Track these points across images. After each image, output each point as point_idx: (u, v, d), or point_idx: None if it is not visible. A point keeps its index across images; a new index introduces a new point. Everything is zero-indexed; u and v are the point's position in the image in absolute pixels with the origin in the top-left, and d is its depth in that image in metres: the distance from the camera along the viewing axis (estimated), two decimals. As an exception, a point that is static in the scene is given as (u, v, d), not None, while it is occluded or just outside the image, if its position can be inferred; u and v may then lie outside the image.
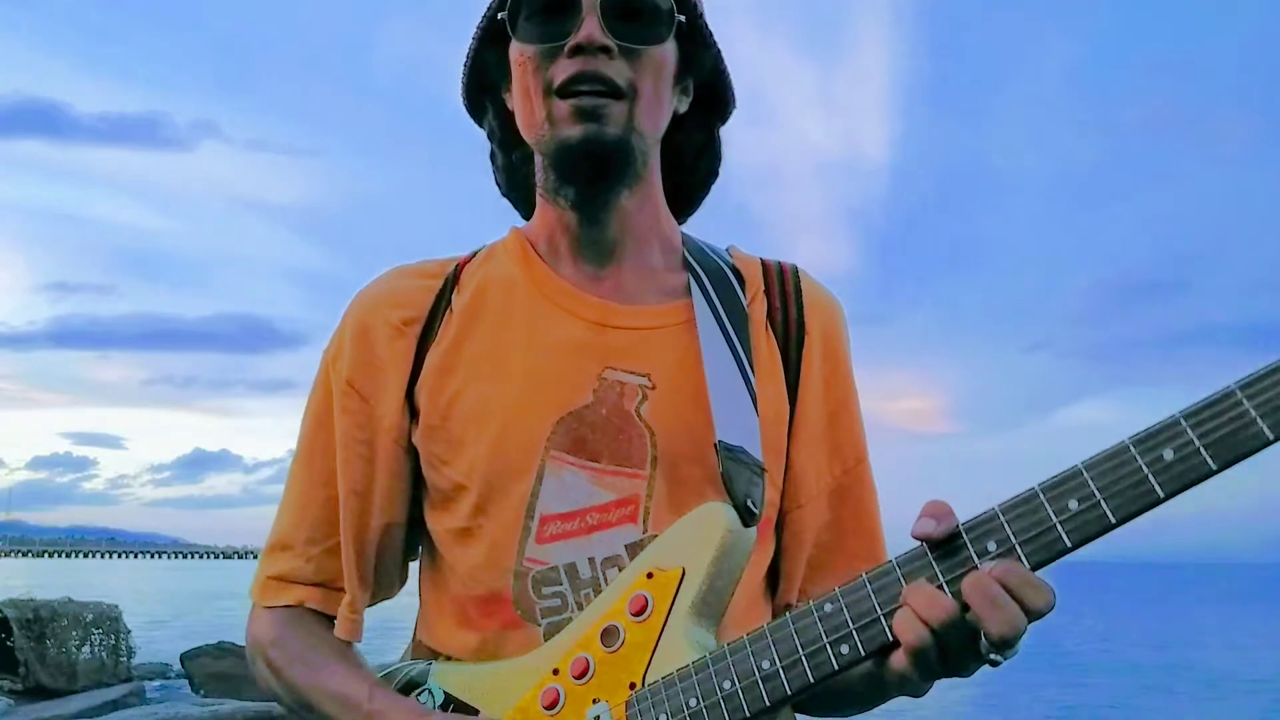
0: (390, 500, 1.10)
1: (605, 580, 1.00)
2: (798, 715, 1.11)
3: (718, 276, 1.12)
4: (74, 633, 10.83)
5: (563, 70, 1.02)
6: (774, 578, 1.14)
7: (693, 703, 0.90)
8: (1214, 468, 0.73)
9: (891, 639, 0.84)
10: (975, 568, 0.81)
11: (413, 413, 1.09)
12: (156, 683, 11.78)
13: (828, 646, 0.86)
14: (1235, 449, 0.73)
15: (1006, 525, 0.81)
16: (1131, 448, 0.76)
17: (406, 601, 1.24)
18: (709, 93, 1.16)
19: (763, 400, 1.06)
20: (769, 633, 0.89)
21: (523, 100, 1.07)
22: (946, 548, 0.83)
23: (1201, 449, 0.73)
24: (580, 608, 1.00)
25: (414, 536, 1.16)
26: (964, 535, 0.82)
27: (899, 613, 0.83)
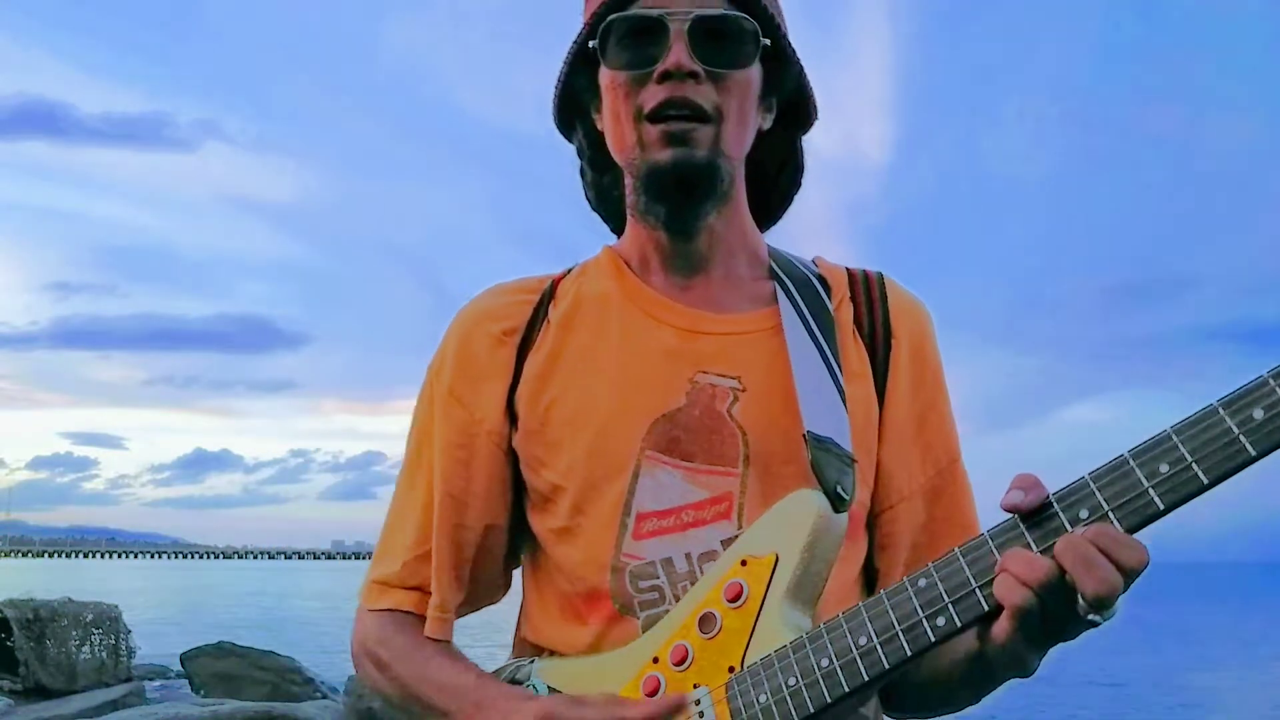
0: (489, 502, 1.15)
1: (701, 574, 1.04)
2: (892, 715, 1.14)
3: (804, 284, 1.15)
4: (74, 633, 10.82)
5: (652, 96, 1.06)
6: (869, 579, 1.16)
7: (792, 681, 0.92)
8: None
9: (987, 609, 0.85)
10: (1068, 533, 0.82)
11: (512, 419, 1.14)
12: (156, 683, 11.77)
13: (924, 620, 0.87)
14: None
15: (1097, 492, 0.82)
16: (1220, 409, 0.77)
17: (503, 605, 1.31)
18: (792, 107, 1.19)
19: (852, 401, 1.08)
20: (864, 610, 0.91)
21: (613, 123, 1.12)
22: (1038, 517, 0.84)
23: None
24: (677, 600, 1.03)
25: (516, 543, 1.20)
26: (1055, 504, 0.84)
27: (999, 578, 0.84)
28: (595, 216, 1.29)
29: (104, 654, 11.03)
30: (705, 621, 0.99)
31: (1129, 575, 0.80)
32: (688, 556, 1.04)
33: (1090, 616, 0.81)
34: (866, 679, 0.89)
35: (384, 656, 1.13)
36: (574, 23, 1.18)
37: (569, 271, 1.21)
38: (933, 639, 0.87)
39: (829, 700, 0.90)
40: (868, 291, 1.18)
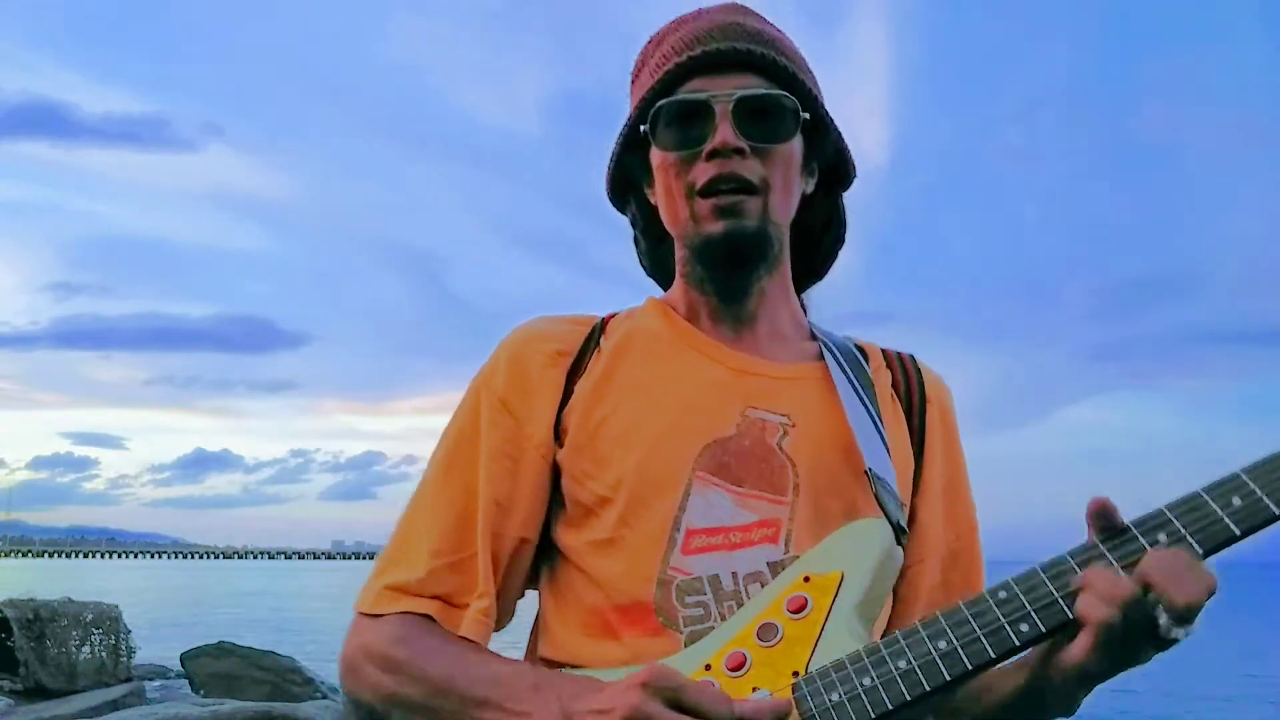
0: (530, 515, 1.15)
1: (747, 594, 1.05)
2: None
3: (844, 349, 1.23)
4: (74, 633, 10.82)
5: (703, 173, 1.13)
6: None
7: (867, 681, 0.92)
8: None
9: (1071, 617, 0.88)
10: (1149, 552, 0.88)
11: (558, 436, 1.15)
12: (156, 683, 11.76)
13: (1006, 625, 0.90)
14: None
15: (1175, 519, 0.89)
16: None
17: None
18: (831, 169, 1.26)
19: (894, 453, 1.14)
20: (942, 617, 0.93)
21: (666, 199, 1.18)
22: (1117, 540, 0.90)
23: None
24: (723, 618, 1.04)
25: (534, 566, 1.19)
26: (1134, 529, 0.90)
27: (1082, 595, 0.88)
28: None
29: (104, 654, 11.03)
30: (765, 631, 1.00)
31: (1207, 595, 0.85)
32: (734, 575, 1.06)
33: (1173, 633, 0.85)
34: (948, 678, 0.90)
35: (401, 656, 1.07)
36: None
37: (617, 313, 1.26)
38: (1017, 643, 0.90)
39: (908, 698, 0.90)
40: (902, 364, 1.27)
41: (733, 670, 0.98)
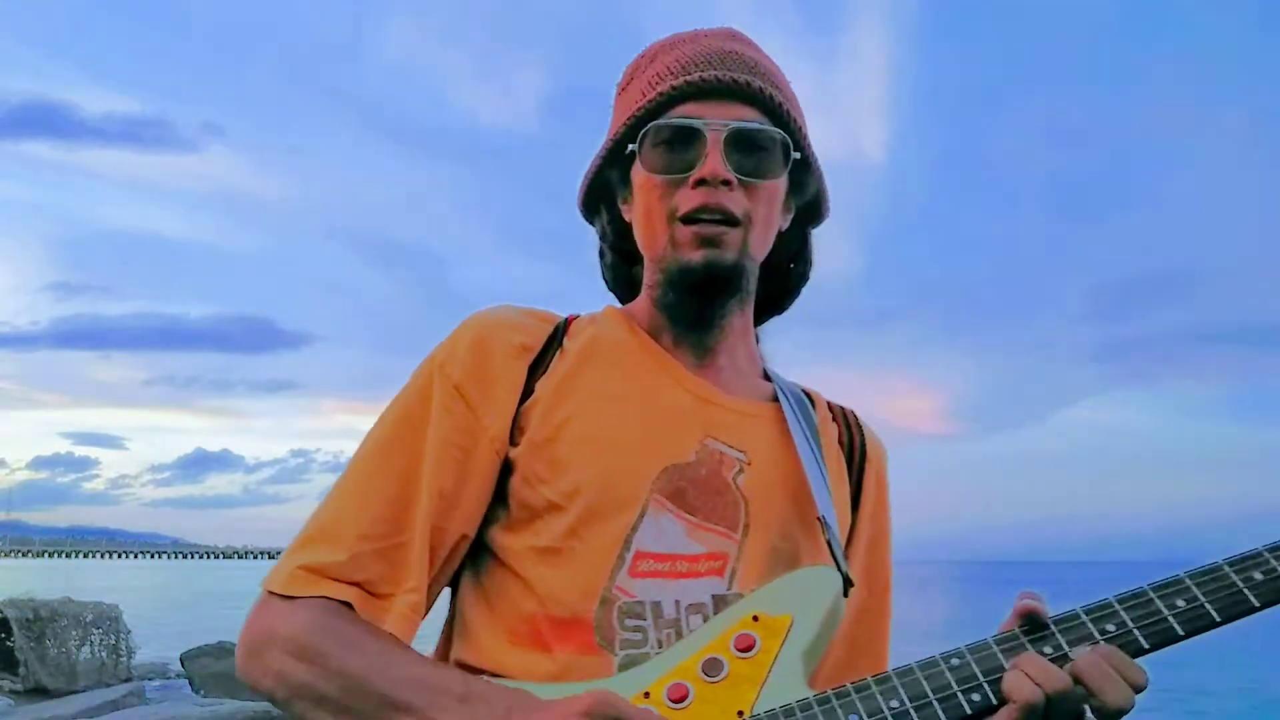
0: (473, 510, 1.09)
1: (688, 624, 1.04)
2: None
3: (794, 393, 1.24)
4: (74, 633, 10.82)
5: (687, 200, 1.11)
6: None
7: None
8: None
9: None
10: (1097, 642, 0.92)
11: (514, 432, 1.11)
12: (156, 683, 11.75)
13: (959, 694, 0.92)
14: None
15: (1123, 612, 0.94)
16: (1226, 567, 0.94)
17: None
18: (807, 206, 1.26)
19: (835, 504, 1.15)
20: (894, 677, 0.95)
21: (645, 220, 1.17)
22: (1066, 625, 0.94)
23: None
24: (660, 645, 1.02)
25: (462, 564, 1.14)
26: (1084, 616, 0.94)
27: (1011, 674, 0.91)
28: (589, 219, 1.31)
29: (104, 654, 11.02)
30: (711, 665, 0.98)
31: (1137, 692, 0.90)
32: (677, 604, 1.04)
33: None
34: None
35: (315, 643, 0.97)
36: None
37: (578, 316, 1.23)
38: (968, 711, 0.92)
39: None
40: (845, 419, 1.28)
41: (675, 701, 0.96)
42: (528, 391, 1.11)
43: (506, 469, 1.10)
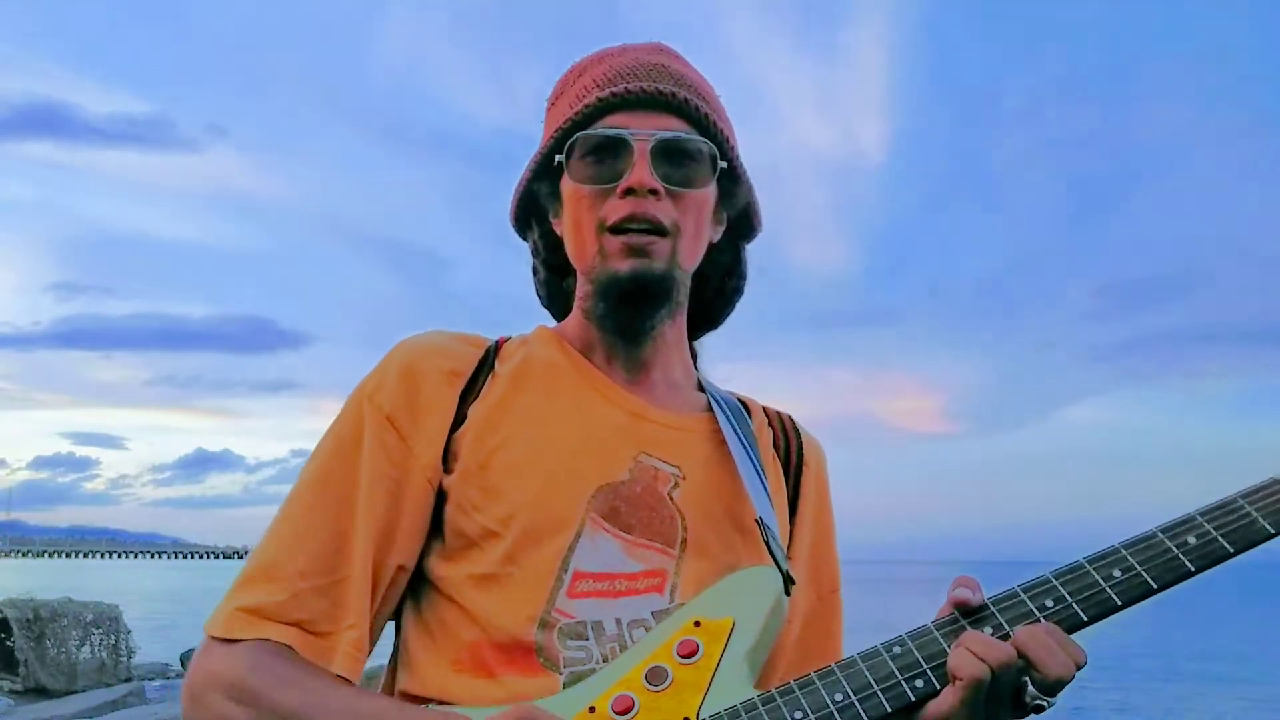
0: (409, 542, 1.08)
1: (631, 639, 1.04)
2: None
3: (729, 403, 1.24)
4: (74, 633, 10.83)
5: (615, 210, 1.11)
6: None
7: None
8: (1231, 551, 0.95)
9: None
10: (1037, 620, 0.94)
11: (446, 460, 1.10)
12: (156, 683, 11.77)
13: (902, 681, 0.93)
14: (1247, 538, 0.95)
15: (1060, 586, 0.95)
16: (1160, 534, 0.96)
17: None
18: (740, 219, 1.26)
19: (775, 513, 1.15)
20: (838, 670, 0.95)
21: (574, 232, 1.17)
22: (1006, 603, 0.96)
23: (1218, 537, 0.95)
24: (605, 661, 1.02)
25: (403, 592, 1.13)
26: (1023, 594, 0.96)
27: (955, 651, 0.92)
28: (521, 234, 1.32)
29: (104, 654, 11.04)
30: (654, 675, 0.98)
31: (1077, 667, 0.91)
32: (618, 621, 1.04)
33: (1037, 701, 0.91)
34: None
35: (255, 685, 0.97)
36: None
37: (510, 338, 1.23)
38: (912, 698, 0.92)
39: None
40: (782, 423, 1.29)
41: (620, 713, 0.96)
42: (459, 418, 1.11)
43: (441, 497, 1.09)
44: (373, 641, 1.09)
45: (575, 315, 1.22)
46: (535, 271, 1.32)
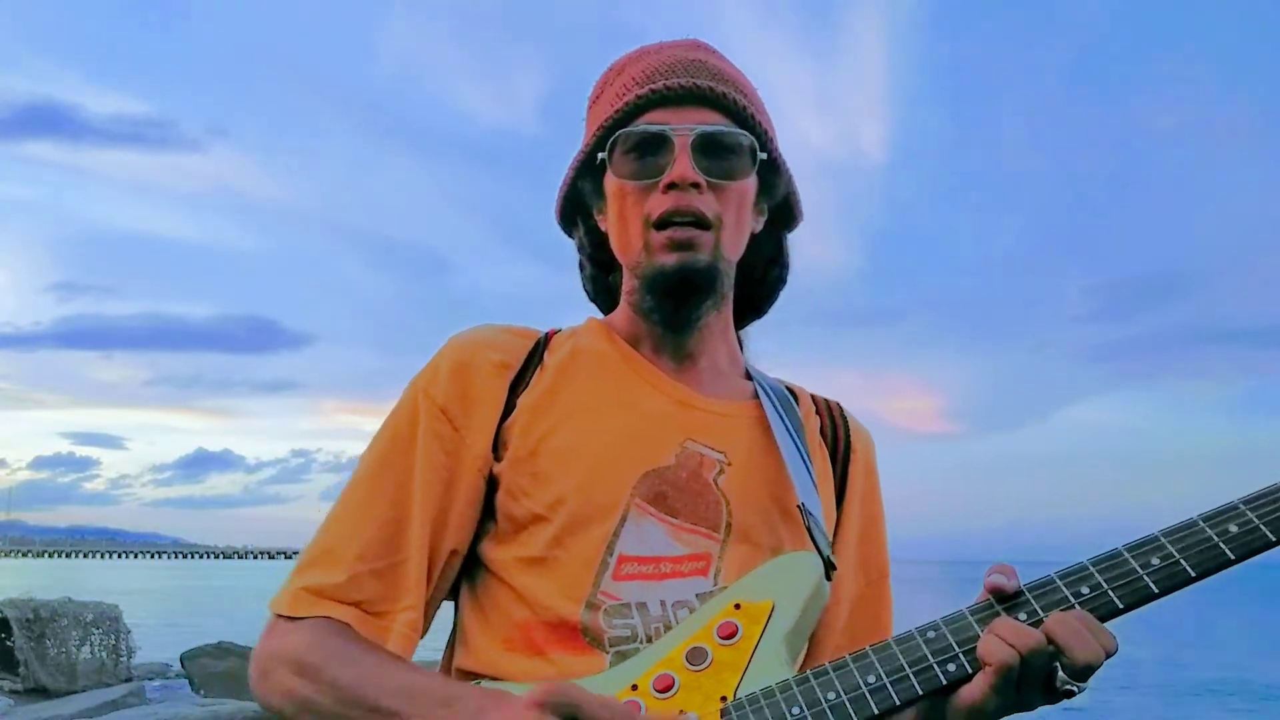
0: (462, 527, 1.13)
1: (675, 619, 1.07)
2: None
3: (777, 391, 1.26)
4: (74, 633, 10.83)
5: (658, 205, 1.14)
6: None
7: (795, 710, 0.95)
8: (1274, 540, 0.93)
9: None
10: (1071, 607, 0.94)
11: (497, 449, 1.14)
12: (156, 683, 11.76)
13: (934, 665, 0.94)
14: None
15: (1097, 574, 0.95)
16: (1201, 522, 0.94)
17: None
18: (781, 209, 1.28)
19: (820, 500, 1.17)
20: (871, 653, 0.96)
21: (619, 227, 1.20)
22: (1042, 590, 0.96)
23: (1261, 526, 0.93)
24: (649, 640, 1.05)
25: (457, 578, 1.18)
26: (1058, 581, 0.96)
27: (985, 638, 0.93)
28: (567, 231, 1.34)
29: (104, 654, 11.04)
30: (695, 655, 1.01)
31: (1107, 655, 0.92)
32: (662, 603, 1.07)
33: (1066, 686, 0.91)
34: (875, 712, 0.93)
35: (314, 660, 1.03)
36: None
37: (559, 330, 1.26)
38: (944, 681, 0.93)
39: None
40: (830, 411, 1.30)
41: (660, 691, 0.99)
42: (509, 408, 1.15)
43: (492, 485, 1.14)
44: (427, 623, 1.14)
45: (623, 308, 1.26)
46: (581, 267, 1.35)
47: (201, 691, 10.73)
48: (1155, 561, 0.94)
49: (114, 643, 11.18)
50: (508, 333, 1.22)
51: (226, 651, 11.16)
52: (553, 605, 1.07)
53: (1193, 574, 0.93)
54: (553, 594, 1.08)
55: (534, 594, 1.09)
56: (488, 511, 1.15)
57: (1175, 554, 0.93)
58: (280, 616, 1.09)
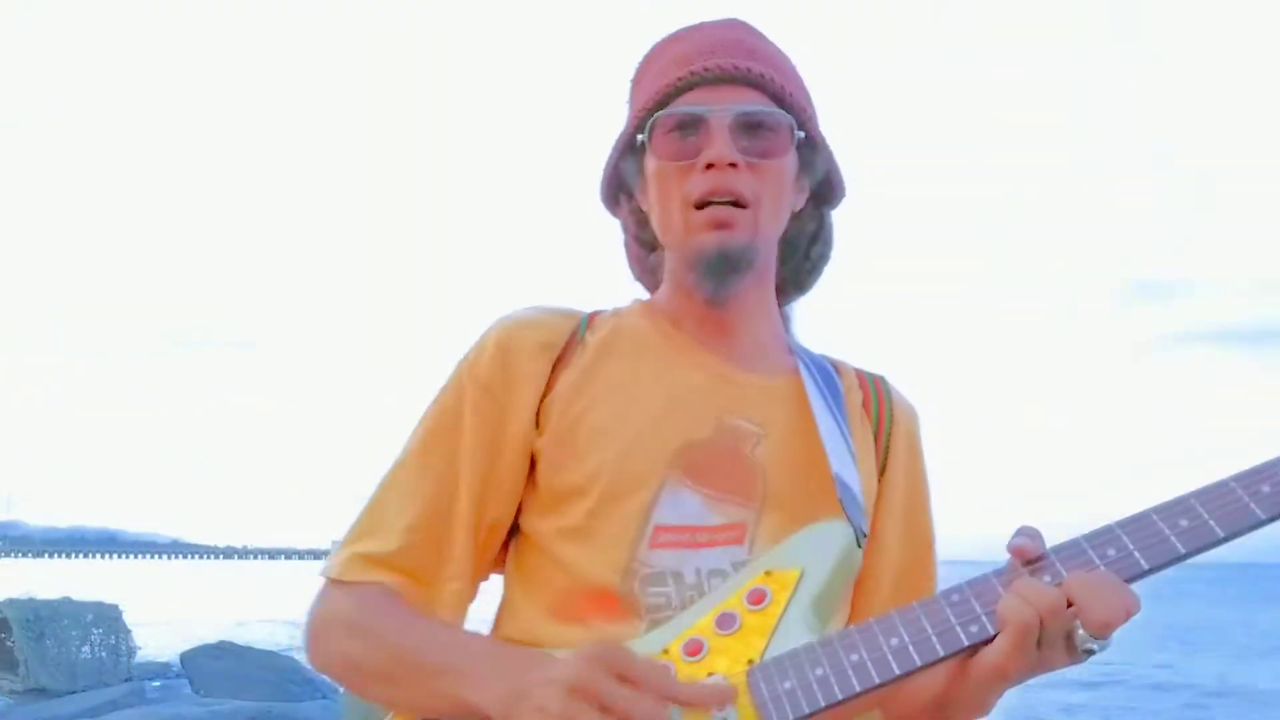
0: (506, 500, 1.18)
1: (709, 588, 1.09)
2: None
3: (818, 364, 1.28)
4: (74, 633, 10.84)
5: (697, 185, 1.16)
6: None
7: (819, 671, 0.96)
8: None
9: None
10: (1097, 568, 0.94)
11: (538, 425, 1.18)
12: (156, 683, 11.77)
13: (957, 626, 0.95)
14: None
15: (1123, 535, 0.94)
16: (1233, 482, 0.93)
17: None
18: (822, 186, 1.30)
19: (860, 469, 1.20)
20: (897, 616, 0.97)
21: (660, 207, 1.22)
22: (1068, 552, 0.95)
23: None
24: (684, 607, 1.08)
25: (502, 552, 1.23)
26: (1085, 543, 0.95)
27: (1004, 599, 0.93)
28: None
29: (104, 654, 11.05)
30: (724, 620, 1.03)
31: (1125, 616, 0.91)
32: (698, 571, 1.10)
33: (1087, 644, 0.91)
34: (897, 672, 0.94)
35: (364, 620, 1.09)
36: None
37: (600, 311, 1.29)
38: (965, 642, 0.94)
39: (857, 689, 0.94)
40: (873, 385, 1.31)
41: (690, 655, 1.01)
42: (550, 386, 1.19)
43: (534, 460, 1.18)
44: (473, 594, 1.19)
45: (665, 287, 1.28)
46: (626, 247, 1.38)
47: (201, 691, 10.75)
48: (1183, 523, 0.93)
49: (114, 643, 11.20)
50: (550, 313, 1.25)
51: (226, 651, 11.20)
52: (591, 574, 1.11)
53: (1221, 534, 0.92)
54: (591, 563, 1.11)
55: (574, 563, 1.12)
56: (530, 486, 1.19)
57: (1204, 514, 0.92)
58: (332, 582, 1.14)
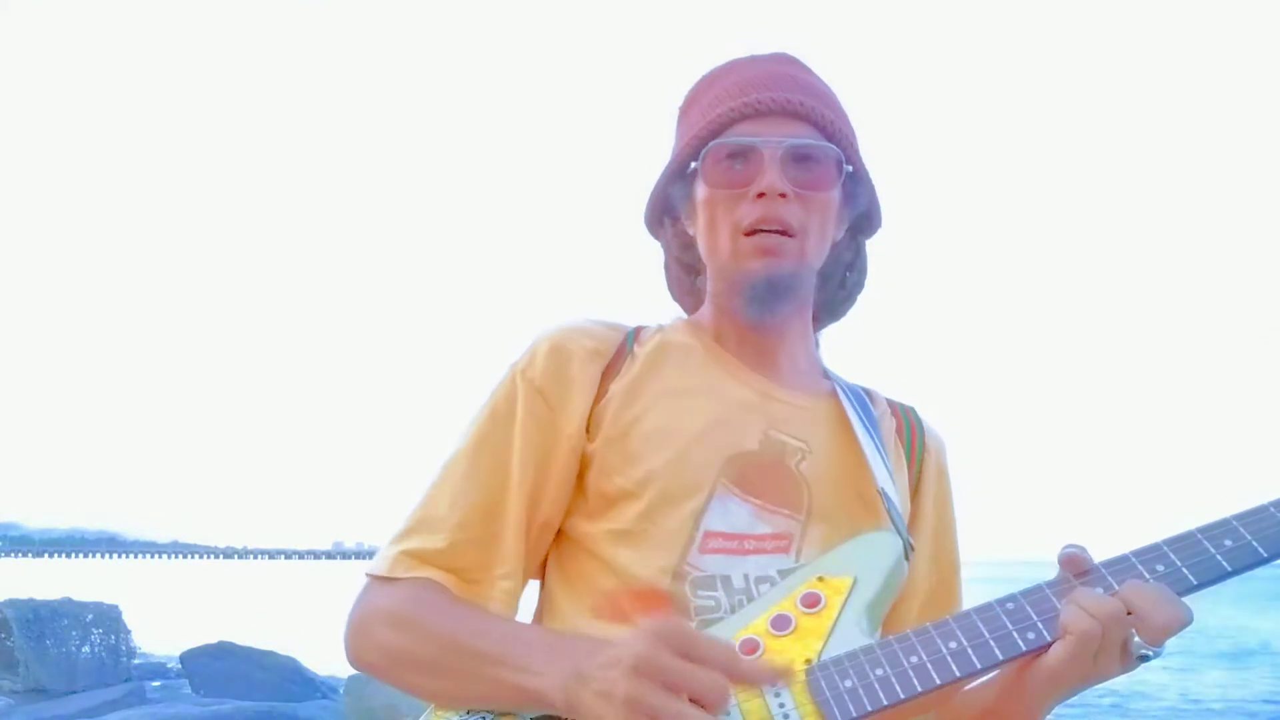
0: (555, 502, 1.20)
1: (757, 593, 1.12)
2: None
3: (853, 390, 1.32)
4: (74, 632, 10.82)
5: (748, 213, 1.20)
6: None
7: (879, 672, 0.97)
8: None
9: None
10: (1145, 579, 0.97)
11: (589, 430, 1.21)
12: (156, 683, 11.76)
13: (1014, 632, 0.98)
14: None
15: (1171, 553, 0.99)
16: (1272, 508, 0.98)
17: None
18: (859, 217, 1.34)
19: (897, 491, 1.23)
20: (953, 621, 1.00)
21: (709, 233, 1.26)
22: (1117, 567, 0.99)
23: None
24: (733, 611, 1.10)
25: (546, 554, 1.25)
26: (1134, 558, 0.99)
27: (1066, 609, 0.96)
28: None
29: (104, 654, 11.03)
30: (779, 621, 1.05)
31: (1180, 625, 0.94)
32: (746, 576, 1.13)
33: (1143, 652, 0.95)
34: (957, 675, 0.96)
35: (413, 614, 1.09)
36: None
37: (645, 326, 1.32)
38: (1023, 648, 0.97)
39: (918, 689, 0.96)
40: (905, 415, 1.36)
41: (746, 654, 1.02)
42: (601, 392, 1.22)
43: (584, 463, 1.20)
44: (521, 593, 1.20)
45: (708, 308, 1.33)
46: (667, 268, 1.42)
47: (201, 691, 10.74)
48: (1228, 543, 0.97)
49: (114, 642, 11.18)
50: (599, 324, 1.29)
51: (226, 651, 11.17)
52: (641, 575, 1.13)
53: (1264, 553, 0.97)
54: (641, 564, 1.13)
55: (623, 564, 1.14)
56: (578, 489, 1.21)
57: (1247, 535, 0.97)
58: (377, 579, 1.14)
